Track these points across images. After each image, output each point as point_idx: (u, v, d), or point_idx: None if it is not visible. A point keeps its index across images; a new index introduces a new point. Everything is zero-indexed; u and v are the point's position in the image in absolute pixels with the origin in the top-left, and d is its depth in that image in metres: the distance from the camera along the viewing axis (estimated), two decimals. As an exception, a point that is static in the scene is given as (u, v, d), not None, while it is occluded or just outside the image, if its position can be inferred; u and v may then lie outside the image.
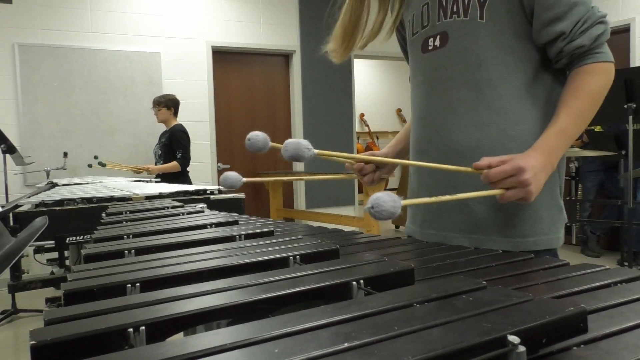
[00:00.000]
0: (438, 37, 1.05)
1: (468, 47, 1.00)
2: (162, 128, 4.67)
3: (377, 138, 9.61)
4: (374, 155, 1.18)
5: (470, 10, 1.00)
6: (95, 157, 4.71)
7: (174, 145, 4.44)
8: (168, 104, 4.52)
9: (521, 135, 0.98)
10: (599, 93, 0.94)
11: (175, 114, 4.59)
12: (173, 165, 4.43)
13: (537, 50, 0.99)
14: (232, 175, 0.95)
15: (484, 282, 0.50)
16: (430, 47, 1.07)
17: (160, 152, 4.53)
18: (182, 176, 4.45)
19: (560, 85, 0.99)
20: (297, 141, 0.75)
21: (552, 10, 0.94)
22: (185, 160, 4.45)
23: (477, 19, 0.99)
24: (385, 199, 0.66)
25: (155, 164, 4.57)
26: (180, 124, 4.57)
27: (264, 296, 0.50)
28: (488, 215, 1.00)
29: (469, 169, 0.88)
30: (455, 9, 1.02)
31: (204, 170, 5.51)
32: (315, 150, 0.77)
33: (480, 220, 1.01)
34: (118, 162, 4.80)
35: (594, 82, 0.93)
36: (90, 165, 4.67)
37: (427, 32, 1.08)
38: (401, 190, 7.13)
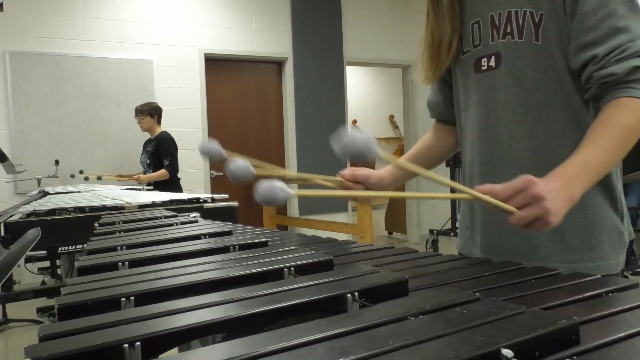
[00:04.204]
0: (493, 57, 1.02)
1: (524, 69, 0.98)
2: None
3: (370, 144, 9.63)
4: (369, 177, 1.10)
5: (525, 32, 0.97)
6: (81, 172, 4.61)
7: (161, 153, 4.38)
8: (151, 112, 4.45)
9: None
10: (631, 129, 0.86)
11: (159, 121, 4.52)
12: (162, 174, 4.38)
13: None
14: (242, 165, 0.82)
15: (477, 293, 0.51)
16: (484, 68, 1.04)
17: (148, 161, 4.47)
18: (172, 183, 4.40)
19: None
20: (271, 184, 0.68)
21: (590, 34, 0.90)
22: (173, 168, 4.39)
23: (532, 40, 0.96)
24: (358, 136, 0.63)
25: (145, 174, 4.54)
26: (166, 131, 4.51)
27: (259, 310, 0.50)
28: (548, 242, 0.98)
29: (470, 197, 0.79)
30: (509, 30, 0.99)
31: (196, 177, 5.50)
32: (293, 192, 0.68)
33: (540, 246, 0.99)
34: (109, 171, 4.77)
35: (625, 116, 0.86)
36: (86, 178, 4.57)
37: (480, 51, 1.05)
38: (392, 202, 7.13)
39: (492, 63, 1.03)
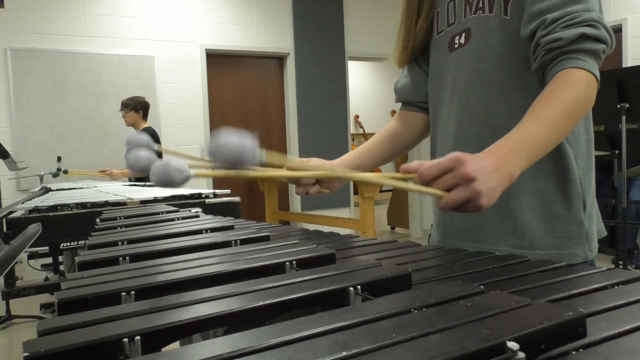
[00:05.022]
0: (463, 34, 1.00)
1: (490, 44, 0.96)
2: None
3: (372, 139, 9.60)
4: (319, 168, 1.00)
5: (495, 6, 0.95)
6: (59, 159, 4.46)
7: None
8: (136, 107, 4.34)
9: None
10: (576, 103, 0.81)
11: (145, 116, 4.41)
12: None
13: None
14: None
15: (482, 286, 0.50)
16: (456, 46, 1.02)
17: None
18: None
19: None
20: (166, 163, 0.58)
21: (544, 2, 0.86)
22: None
23: (501, 14, 0.94)
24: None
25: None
26: (150, 127, 4.40)
27: (261, 303, 0.49)
28: (498, 224, 0.96)
29: (400, 175, 0.73)
30: (480, 5, 0.97)
31: (198, 173, 5.49)
32: (193, 172, 0.59)
33: (489, 228, 0.97)
34: (111, 167, 4.72)
35: (569, 90, 0.81)
36: (56, 175, 4.36)
37: (454, 30, 1.03)
38: (397, 191, 7.13)
39: (462, 40, 1.01)
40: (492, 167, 0.71)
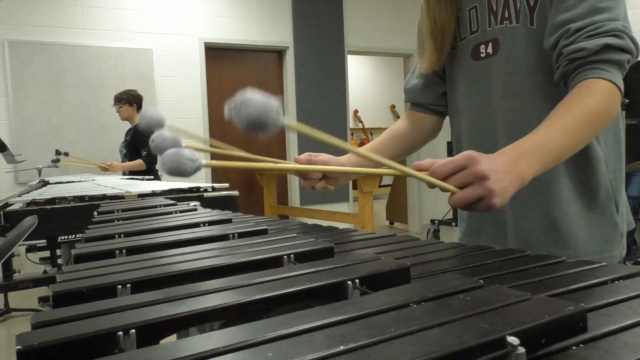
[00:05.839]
0: (490, 44, 0.99)
1: (520, 54, 0.95)
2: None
3: (371, 134, 9.61)
4: (327, 163, 1.01)
5: (521, 16, 0.94)
6: (59, 153, 4.41)
7: (138, 143, 4.23)
8: (130, 100, 4.29)
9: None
10: (595, 112, 0.80)
11: (139, 109, 4.35)
12: (138, 164, 4.22)
13: None
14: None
15: (481, 280, 0.50)
16: (482, 55, 1.01)
17: (125, 151, 4.35)
18: (149, 175, 4.19)
19: None
20: (177, 152, 0.57)
21: (568, 12, 0.86)
22: (150, 158, 4.22)
23: (527, 24, 0.94)
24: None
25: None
26: None
27: (258, 297, 0.49)
28: (540, 235, 0.97)
29: (414, 172, 0.71)
30: (507, 15, 0.96)
31: (197, 167, 5.48)
32: (204, 161, 0.59)
33: (532, 239, 0.97)
34: (110, 160, 4.69)
35: (590, 99, 0.80)
36: (56, 161, 4.30)
37: (478, 38, 1.02)
38: (396, 186, 7.13)
39: (490, 50, 1.00)
40: (504, 168, 0.70)
